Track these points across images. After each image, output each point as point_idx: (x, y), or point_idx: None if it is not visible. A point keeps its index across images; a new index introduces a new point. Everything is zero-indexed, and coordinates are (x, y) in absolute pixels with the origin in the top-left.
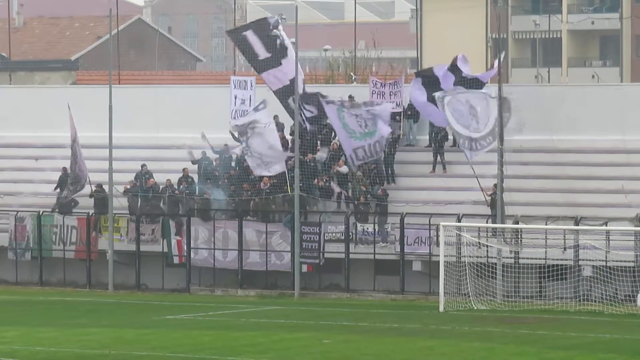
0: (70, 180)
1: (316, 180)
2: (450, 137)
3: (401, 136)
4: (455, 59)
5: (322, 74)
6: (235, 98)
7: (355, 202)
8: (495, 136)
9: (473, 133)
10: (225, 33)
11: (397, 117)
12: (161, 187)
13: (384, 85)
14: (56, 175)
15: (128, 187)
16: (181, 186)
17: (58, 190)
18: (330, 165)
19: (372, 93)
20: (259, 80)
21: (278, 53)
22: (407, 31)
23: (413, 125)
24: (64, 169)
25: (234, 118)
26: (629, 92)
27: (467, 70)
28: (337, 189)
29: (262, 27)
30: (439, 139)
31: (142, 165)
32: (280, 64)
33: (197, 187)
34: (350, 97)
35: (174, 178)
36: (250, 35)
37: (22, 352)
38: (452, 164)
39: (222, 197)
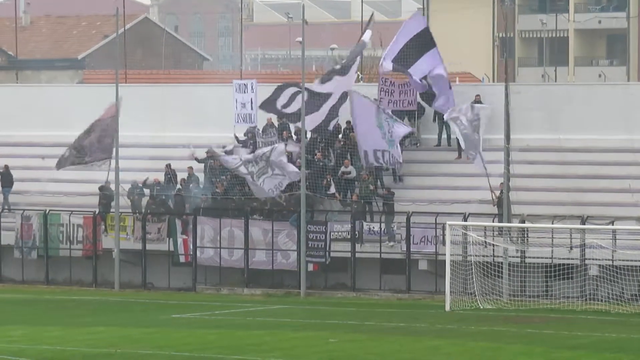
0: (66, 152)
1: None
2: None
3: (416, 134)
4: None
5: None
6: (237, 102)
7: (360, 202)
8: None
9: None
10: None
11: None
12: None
13: (394, 84)
14: (61, 175)
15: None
16: (190, 185)
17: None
18: (339, 164)
19: (381, 90)
20: (261, 80)
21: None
22: None
23: (419, 124)
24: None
25: (237, 122)
26: (635, 91)
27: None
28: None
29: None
30: None
31: (167, 165)
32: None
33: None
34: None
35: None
36: (368, 31)
37: (29, 351)
38: (456, 164)
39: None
